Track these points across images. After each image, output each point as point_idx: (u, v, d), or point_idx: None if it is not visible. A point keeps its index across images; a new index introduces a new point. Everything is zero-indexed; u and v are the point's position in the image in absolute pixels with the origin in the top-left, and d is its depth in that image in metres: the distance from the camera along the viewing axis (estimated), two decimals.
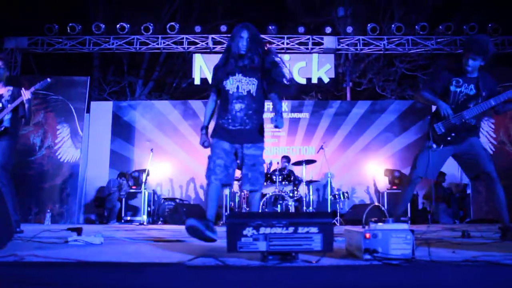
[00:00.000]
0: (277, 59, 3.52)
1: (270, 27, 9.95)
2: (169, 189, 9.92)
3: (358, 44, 10.06)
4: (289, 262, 2.02)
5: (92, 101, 10.58)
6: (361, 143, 10.00)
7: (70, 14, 11.61)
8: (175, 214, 8.55)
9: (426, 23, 9.68)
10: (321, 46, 10.05)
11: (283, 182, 8.21)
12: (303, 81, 10.16)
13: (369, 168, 9.87)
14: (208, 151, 3.47)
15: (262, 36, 9.95)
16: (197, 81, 10.02)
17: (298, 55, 10.22)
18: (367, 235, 2.10)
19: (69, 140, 8.97)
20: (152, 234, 4.73)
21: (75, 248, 2.93)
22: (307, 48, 10.06)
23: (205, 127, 3.62)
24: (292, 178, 8.41)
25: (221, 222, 7.78)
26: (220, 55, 3.64)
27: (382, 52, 10.59)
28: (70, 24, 9.61)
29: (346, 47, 10.19)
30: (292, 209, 7.63)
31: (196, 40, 9.96)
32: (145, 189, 8.64)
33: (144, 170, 8.79)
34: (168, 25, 9.81)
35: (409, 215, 8.23)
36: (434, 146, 3.84)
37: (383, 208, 7.86)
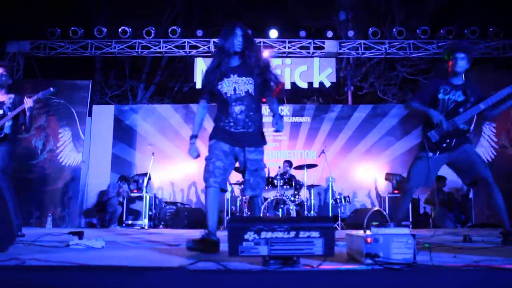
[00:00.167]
0: (269, 59, 3.45)
1: (271, 31, 9.97)
2: (171, 193, 9.92)
3: (360, 48, 10.07)
4: (290, 266, 2.03)
5: (94, 105, 10.59)
6: (362, 147, 10.00)
7: (72, 18, 11.66)
8: (177, 218, 8.55)
9: (427, 27, 9.69)
10: (323, 50, 10.06)
11: (285, 186, 8.21)
12: (304, 85, 10.17)
13: (370, 172, 9.86)
14: (199, 160, 3.39)
15: (264, 40, 10.03)
16: (198, 85, 10.04)
17: (299, 59, 10.23)
18: (369, 240, 2.10)
19: (70, 144, 8.98)
20: (153, 238, 4.73)
21: (76, 252, 2.93)
22: (309, 52, 10.08)
23: (195, 136, 3.45)
24: (293, 182, 8.42)
25: (222, 227, 7.77)
26: None
27: (383, 56, 10.61)
28: (72, 28, 9.64)
29: (348, 51, 10.20)
30: (293, 214, 7.62)
31: (198, 44, 9.98)
32: (146, 193, 8.65)
33: (145, 174, 8.80)
34: (170, 29, 9.84)
35: (410, 219, 8.22)
36: (431, 154, 3.88)
37: (384, 213, 7.84)
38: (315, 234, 2.04)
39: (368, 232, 2.17)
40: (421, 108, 3.99)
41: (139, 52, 10.09)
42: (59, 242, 3.61)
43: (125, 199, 8.91)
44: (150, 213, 8.79)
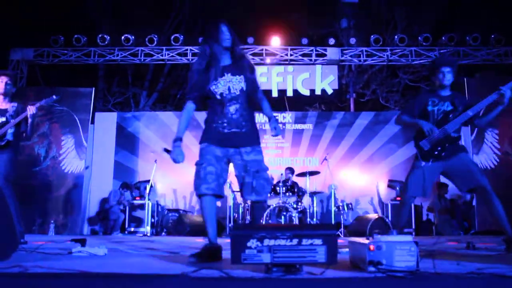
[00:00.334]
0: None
1: (273, 38, 10.01)
2: (173, 200, 9.92)
3: (362, 55, 10.10)
4: (293, 274, 2.02)
5: (97, 112, 10.62)
6: (364, 154, 9.99)
7: (76, 26, 11.72)
8: (179, 225, 8.53)
9: (429, 34, 9.72)
10: (325, 58, 10.09)
11: (287, 194, 8.20)
12: (306, 92, 10.19)
13: (373, 179, 9.85)
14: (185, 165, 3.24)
15: (266, 47, 10.06)
16: None
17: (301, 66, 10.26)
18: (371, 247, 2.10)
19: (73, 151, 9.01)
20: (156, 246, 4.72)
21: (79, 260, 2.93)
22: (311, 60, 10.10)
23: (179, 139, 3.21)
24: (296, 190, 8.41)
25: (225, 234, 7.76)
26: None
27: (385, 63, 10.63)
28: (76, 36, 9.70)
29: (350, 58, 10.22)
30: (296, 221, 7.60)
31: None
32: (148, 200, 8.65)
33: (148, 181, 8.80)
34: (173, 37, 9.88)
35: (413, 226, 8.20)
36: (423, 163, 3.92)
37: (387, 220, 7.82)
38: (318, 241, 2.04)
39: (371, 239, 2.17)
40: (411, 120, 4.10)
41: (142, 60, 10.14)
42: (62, 249, 3.62)
43: (127, 206, 8.90)
44: (153, 220, 8.77)
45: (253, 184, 3.08)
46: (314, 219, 8.29)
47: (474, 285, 1.89)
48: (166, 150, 3.22)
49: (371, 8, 14.85)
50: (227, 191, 8.48)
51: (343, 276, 2.01)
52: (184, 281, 1.90)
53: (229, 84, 3.16)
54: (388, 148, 9.97)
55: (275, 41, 10.03)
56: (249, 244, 2.03)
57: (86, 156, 9.06)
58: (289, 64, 10.18)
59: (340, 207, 8.30)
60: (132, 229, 8.71)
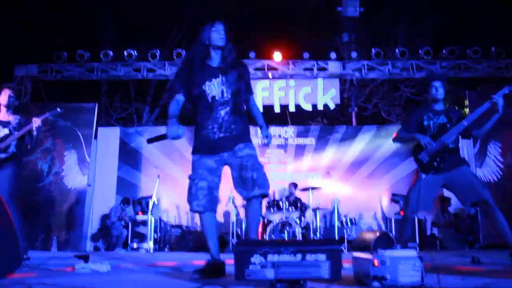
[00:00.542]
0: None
1: (275, 52, 10.06)
2: (176, 215, 9.90)
3: (363, 69, 10.12)
4: None
5: (100, 127, 10.64)
6: (367, 168, 9.97)
7: (79, 42, 11.82)
8: (182, 241, 8.50)
9: (430, 48, 9.77)
10: (326, 72, 10.13)
11: (290, 209, 8.15)
12: (308, 107, 10.19)
13: (376, 194, 9.82)
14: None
15: (267, 62, 10.11)
16: None
17: (303, 80, 10.29)
18: (376, 262, 2.09)
19: (76, 167, 9.02)
20: (159, 262, 4.71)
21: (82, 276, 2.92)
22: (312, 73, 10.14)
23: (174, 116, 3.07)
24: (299, 205, 8.37)
25: (228, 249, 7.72)
26: None
27: (387, 77, 10.66)
28: (79, 52, 9.78)
29: (351, 72, 10.26)
30: (299, 236, 7.57)
31: None
32: (151, 216, 8.62)
33: (150, 197, 8.78)
34: (175, 52, 9.94)
35: (417, 241, 8.15)
36: (423, 175, 3.94)
37: (391, 235, 7.78)
38: (322, 257, 2.03)
39: (375, 254, 2.17)
40: (408, 136, 4.19)
41: (145, 75, 10.19)
42: (65, 266, 3.61)
43: (129, 222, 8.87)
44: (155, 236, 8.74)
45: (254, 177, 2.96)
46: (318, 234, 8.25)
47: None
48: (151, 140, 3.05)
49: (372, 22, 14.94)
50: (230, 207, 8.46)
51: None
52: None
53: (222, 87, 3.08)
54: (390, 162, 9.95)
55: (277, 56, 10.09)
56: (252, 259, 2.03)
57: (89, 172, 9.07)
58: (291, 78, 10.21)
59: (344, 222, 8.26)
60: (135, 245, 8.67)
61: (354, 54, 10.20)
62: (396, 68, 10.02)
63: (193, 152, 3.13)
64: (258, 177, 2.96)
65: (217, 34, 3.09)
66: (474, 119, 3.94)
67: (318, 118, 15.47)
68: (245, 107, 3.22)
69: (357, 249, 7.81)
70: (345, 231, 8.18)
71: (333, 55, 10.04)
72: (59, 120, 8.83)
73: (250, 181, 2.95)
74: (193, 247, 8.19)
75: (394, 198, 9.32)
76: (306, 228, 8.15)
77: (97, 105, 9.62)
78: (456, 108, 4.37)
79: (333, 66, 10.09)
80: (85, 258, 3.66)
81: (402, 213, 8.80)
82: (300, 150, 10.14)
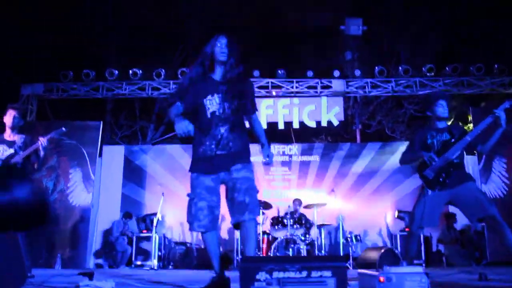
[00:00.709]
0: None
1: (279, 71, 10.13)
2: (180, 233, 9.86)
3: (367, 86, 10.18)
4: None
5: (104, 145, 10.69)
6: (372, 185, 9.95)
7: (85, 60, 11.97)
8: (186, 258, 8.47)
9: (433, 65, 9.83)
10: (330, 89, 10.18)
11: (295, 226, 8.13)
12: (312, 124, 10.22)
13: (380, 210, 9.78)
14: None
15: (272, 80, 10.18)
16: None
17: (307, 98, 10.33)
18: (381, 279, 2.08)
19: (81, 184, 9.05)
20: (163, 279, 4.69)
21: None
22: (316, 92, 10.20)
23: (179, 115, 2.94)
24: (303, 221, 8.34)
25: (233, 266, 7.68)
26: None
27: (390, 94, 10.70)
28: (85, 71, 9.89)
29: (355, 89, 10.31)
30: (304, 253, 7.52)
31: None
32: (155, 233, 8.60)
33: (155, 214, 8.77)
34: (180, 71, 10.03)
35: (423, 258, 8.08)
36: (430, 192, 3.95)
37: (396, 251, 7.72)
38: (327, 273, 2.02)
39: (380, 270, 2.16)
40: (413, 155, 4.25)
41: (149, 94, 10.27)
42: (69, 283, 3.60)
43: (133, 237, 8.83)
44: (160, 253, 8.71)
45: (246, 201, 2.86)
46: (323, 251, 8.20)
47: None
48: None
49: (375, 41, 15.06)
50: None
51: None
52: None
53: (223, 103, 2.99)
54: (395, 179, 9.92)
55: (281, 74, 10.16)
56: (258, 276, 2.02)
57: (93, 189, 9.09)
58: (294, 96, 10.26)
59: (349, 238, 8.22)
60: (139, 262, 8.63)
61: (357, 72, 10.27)
62: (399, 85, 10.06)
63: (191, 170, 3.06)
64: (250, 202, 2.86)
65: (219, 49, 3.03)
66: (477, 134, 3.95)
67: (322, 136, 15.50)
68: (246, 124, 3.16)
69: (362, 266, 7.75)
70: (350, 248, 8.13)
71: (336, 73, 10.11)
72: (65, 138, 8.88)
73: (242, 205, 2.86)
74: (198, 264, 8.16)
75: (400, 215, 9.27)
76: (311, 244, 8.11)
77: (102, 123, 9.68)
78: (460, 124, 4.39)
79: (337, 84, 10.15)
80: (90, 276, 3.65)
81: (407, 229, 8.75)
82: (304, 167, 10.14)
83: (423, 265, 7.93)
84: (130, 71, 9.97)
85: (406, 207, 9.44)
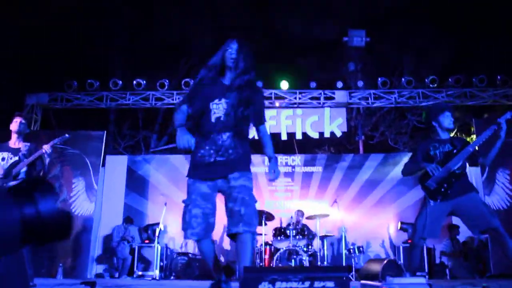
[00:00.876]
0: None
1: (282, 82, 10.16)
2: (182, 243, 9.84)
3: (370, 98, 10.19)
4: None
5: (107, 155, 10.71)
6: (375, 196, 9.92)
7: (89, 71, 12.05)
8: (188, 268, 8.43)
9: (436, 77, 9.84)
10: (333, 100, 10.20)
11: (297, 237, 8.10)
12: (315, 135, 10.22)
13: (383, 222, 9.73)
14: None
15: (275, 91, 10.20)
16: None
17: (310, 109, 10.35)
18: None
19: (84, 194, 9.05)
20: None
21: None
22: (319, 103, 10.21)
23: (183, 125, 2.94)
24: (306, 232, 8.31)
25: (235, 277, 7.64)
26: None
27: (393, 105, 10.71)
28: (89, 81, 9.95)
29: (358, 101, 10.32)
30: (306, 264, 7.49)
31: None
32: (157, 243, 8.59)
33: (157, 224, 8.76)
34: (183, 81, 10.07)
35: (426, 270, 8.03)
36: (432, 202, 3.95)
37: (399, 263, 7.68)
38: (330, 284, 2.02)
39: (383, 282, 2.15)
40: (415, 166, 4.24)
41: (153, 104, 10.31)
42: None
43: (135, 246, 8.81)
44: (162, 263, 8.69)
45: (242, 212, 2.75)
46: (325, 263, 8.16)
47: None
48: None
49: (377, 52, 15.13)
50: None
51: None
52: None
53: (229, 109, 2.91)
54: (398, 190, 9.90)
55: (284, 85, 10.19)
56: (260, 287, 2.02)
57: (96, 199, 9.09)
58: (298, 107, 10.28)
59: (351, 250, 8.18)
60: (140, 272, 8.61)
61: (360, 83, 10.30)
62: (402, 96, 10.07)
63: (188, 175, 3.01)
64: (246, 213, 2.75)
65: (229, 54, 2.99)
66: (479, 144, 3.97)
67: (325, 147, 15.51)
68: (249, 133, 3.09)
69: (365, 278, 7.70)
70: (352, 259, 8.09)
71: (339, 84, 10.13)
72: (68, 147, 8.91)
73: (237, 216, 2.77)
74: (200, 275, 8.12)
75: (403, 227, 9.23)
76: (313, 256, 8.08)
77: (105, 133, 9.71)
78: (463, 135, 4.41)
79: (340, 95, 10.17)
80: (92, 285, 3.65)
81: (410, 241, 8.70)
82: (307, 178, 10.12)
83: (426, 277, 7.88)
84: (134, 82, 10.03)
85: (409, 219, 9.40)
